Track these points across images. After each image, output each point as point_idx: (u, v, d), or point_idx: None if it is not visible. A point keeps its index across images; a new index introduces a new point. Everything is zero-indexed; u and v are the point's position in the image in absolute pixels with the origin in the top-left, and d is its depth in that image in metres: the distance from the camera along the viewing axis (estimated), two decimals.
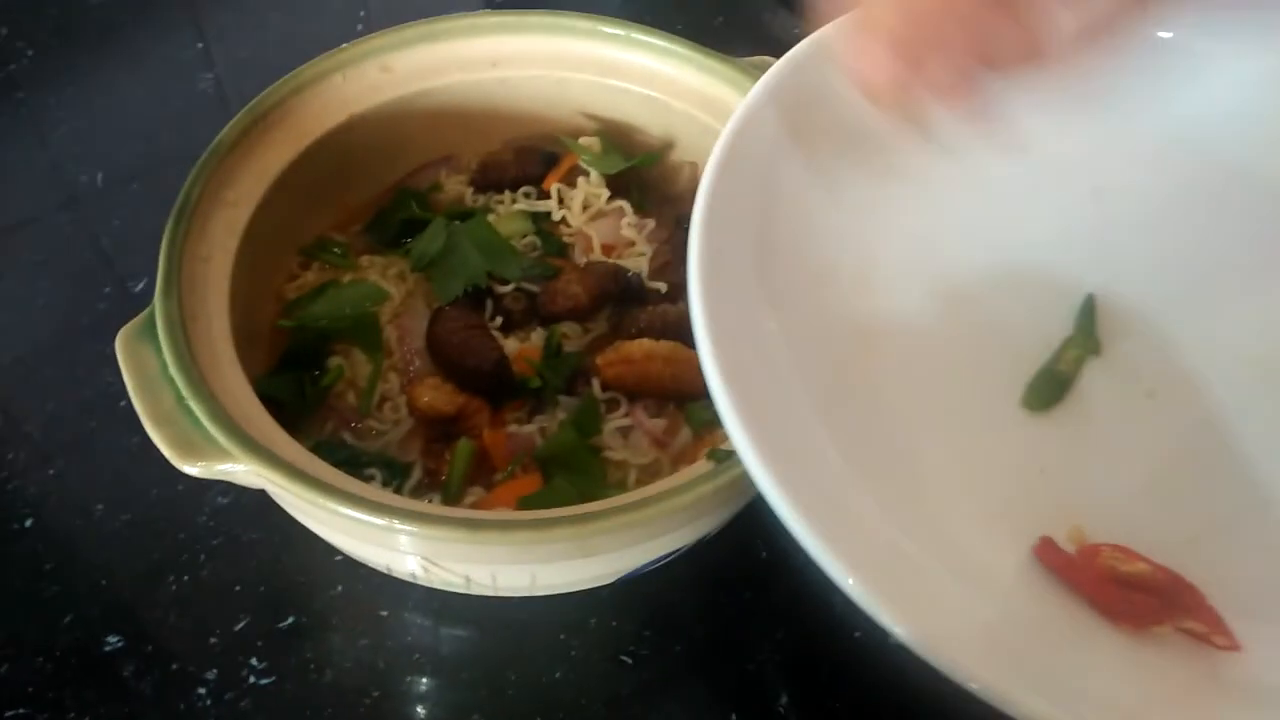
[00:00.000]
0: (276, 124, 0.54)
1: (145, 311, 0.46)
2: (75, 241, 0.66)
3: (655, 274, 0.57)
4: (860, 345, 0.41)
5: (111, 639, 0.51)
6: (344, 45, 0.56)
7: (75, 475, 0.57)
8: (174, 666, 0.50)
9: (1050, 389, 0.43)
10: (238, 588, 0.53)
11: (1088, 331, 0.44)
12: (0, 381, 0.60)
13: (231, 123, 0.52)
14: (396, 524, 0.40)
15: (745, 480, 0.44)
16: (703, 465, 0.44)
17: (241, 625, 0.52)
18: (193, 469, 0.42)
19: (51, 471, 0.57)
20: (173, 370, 0.44)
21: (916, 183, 0.44)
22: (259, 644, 0.51)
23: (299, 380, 0.52)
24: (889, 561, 0.34)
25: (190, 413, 0.43)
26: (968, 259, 0.44)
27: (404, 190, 0.62)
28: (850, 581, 0.32)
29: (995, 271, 0.44)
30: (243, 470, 0.42)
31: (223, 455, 0.42)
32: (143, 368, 0.44)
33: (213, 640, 0.51)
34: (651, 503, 0.41)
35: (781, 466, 0.33)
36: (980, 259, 0.44)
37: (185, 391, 0.43)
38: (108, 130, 0.72)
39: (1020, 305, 0.45)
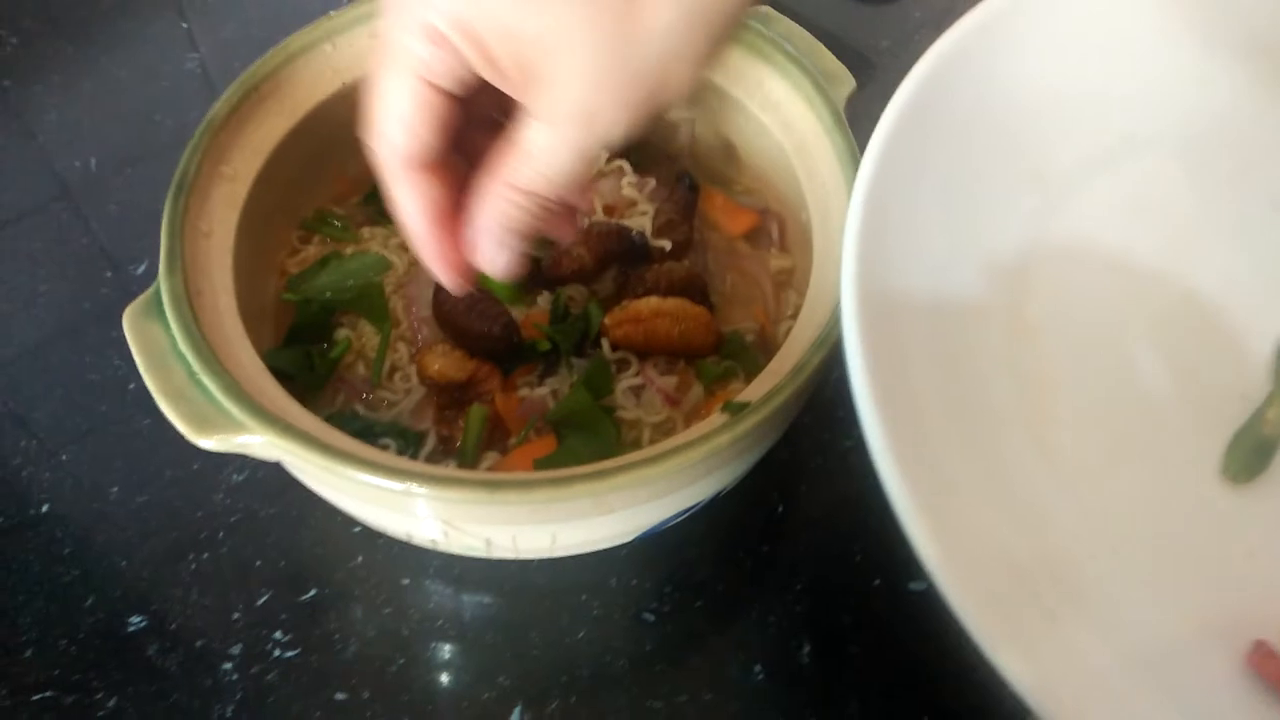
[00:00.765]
0: (269, 96, 0.54)
1: (151, 289, 0.45)
2: (72, 230, 0.65)
3: (659, 232, 0.57)
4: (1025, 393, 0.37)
5: (134, 619, 0.51)
6: (330, 13, 0.56)
7: (89, 460, 0.57)
8: (198, 644, 0.51)
9: (1253, 455, 0.36)
10: (258, 563, 0.53)
11: None
12: (8, 372, 0.60)
13: (224, 96, 0.52)
14: (415, 488, 0.40)
15: (761, 431, 0.44)
16: (717, 418, 0.44)
17: (264, 600, 0.52)
18: (208, 443, 0.42)
19: (65, 457, 0.57)
20: (182, 345, 0.43)
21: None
22: (282, 617, 0.51)
23: (307, 354, 0.52)
24: (1082, 679, 0.28)
25: (203, 387, 0.43)
26: (1140, 293, 0.39)
27: None
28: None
29: (1169, 309, 0.38)
30: (259, 442, 0.42)
31: (238, 428, 0.42)
32: (151, 345, 0.44)
33: (235, 616, 0.51)
34: (668, 456, 0.41)
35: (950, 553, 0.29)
36: (1153, 294, 0.38)
37: (196, 366, 0.43)
38: (97, 116, 0.72)
39: (1202, 352, 0.38)
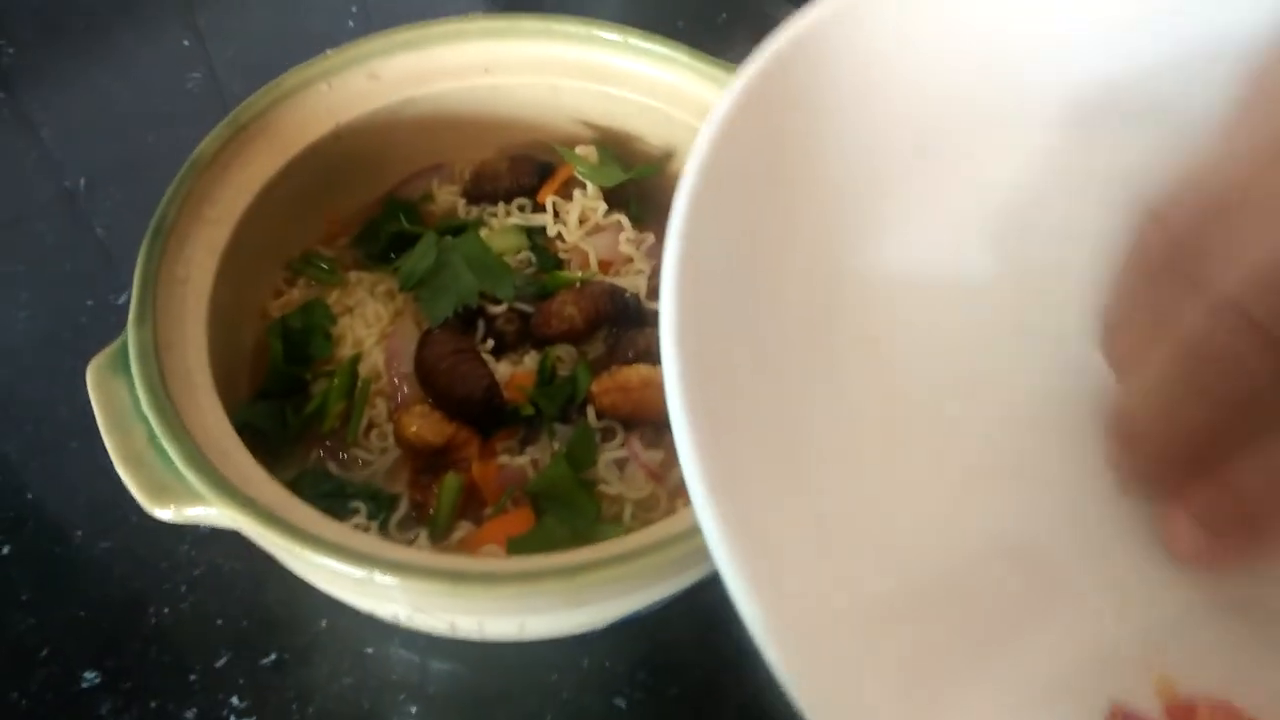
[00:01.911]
0: (258, 135, 0.52)
1: (118, 341, 0.44)
2: (57, 250, 0.64)
3: (654, 293, 0.55)
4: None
5: (89, 674, 0.49)
6: (328, 52, 0.54)
7: (54, 500, 0.55)
8: (153, 704, 0.49)
9: None
10: (219, 621, 0.51)
11: None
12: None
13: (211, 135, 0.50)
14: (377, 575, 0.38)
15: None
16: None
17: (223, 661, 0.50)
18: (164, 513, 0.40)
19: (30, 496, 0.55)
20: (145, 407, 0.42)
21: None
22: (240, 681, 0.49)
23: (281, 408, 0.50)
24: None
25: (162, 452, 0.41)
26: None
27: (394, 201, 0.59)
28: None
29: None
30: (216, 514, 0.40)
31: (195, 498, 0.40)
32: (114, 403, 0.42)
33: (193, 677, 0.49)
34: (645, 553, 0.39)
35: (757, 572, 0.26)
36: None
37: (158, 429, 0.41)
38: (92, 132, 0.70)
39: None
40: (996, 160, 0.36)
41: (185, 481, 0.40)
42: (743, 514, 0.27)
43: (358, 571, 0.38)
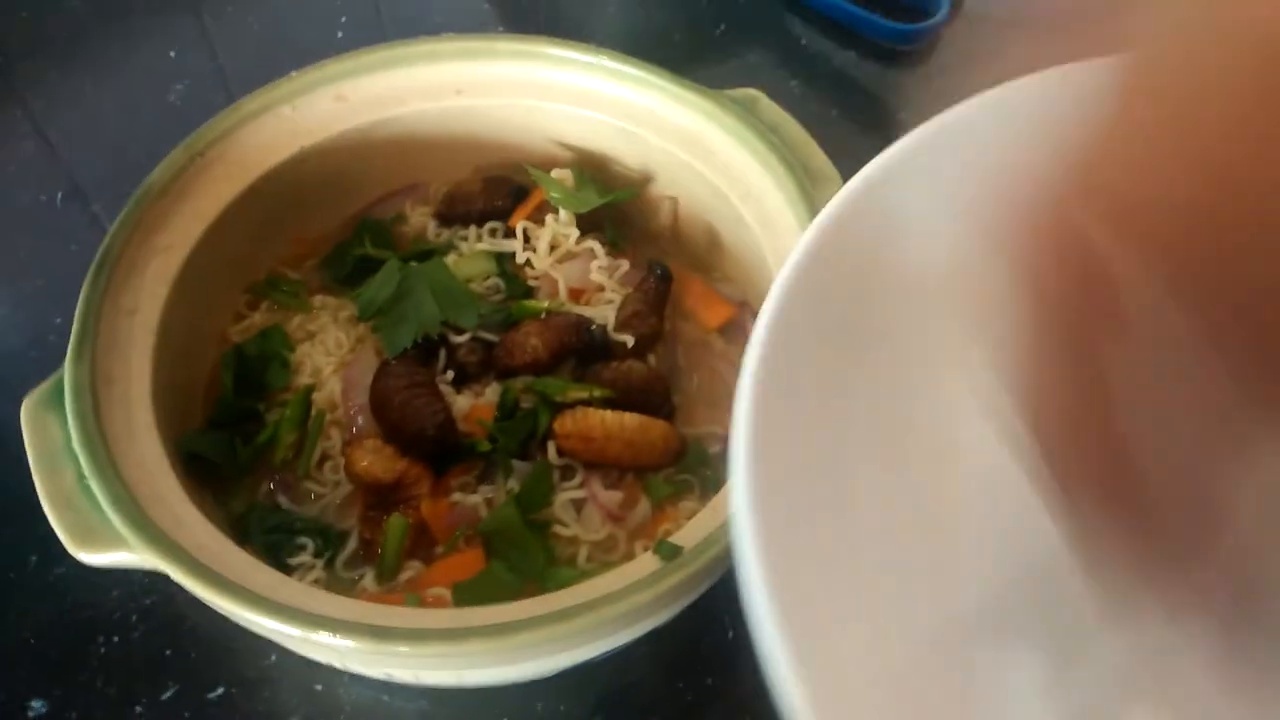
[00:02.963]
0: (216, 160, 0.51)
1: (54, 376, 0.43)
2: (29, 264, 0.63)
3: (623, 325, 0.53)
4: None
5: (36, 704, 0.49)
6: (291, 74, 0.52)
7: (10, 521, 0.54)
8: None
9: None
10: (168, 652, 0.50)
11: None
12: None
13: (164, 163, 0.49)
14: (299, 632, 0.37)
15: (694, 581, 0.40)
16: (647, 563, 0.40)
17: (169, 694, 0.49)
18: (90, 557, 0.39)
19: None
20: (76, 444, 0.41)
21: None
22: (185, 714, 0.48)
23: (231, 438, 0.49)
24: None
25: (90, 494, 0.40)
26: None
27: (365, 222, 0.58)
28: None
29: None
30: (139, 560, 0.39)
31: (119, 543, 0.39)
32: (46, 440, 0.41)
33: (139, 709, 0.49)
34: (580, 612, 0.37)
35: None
36: None
37: (87, 470, 0.40)
38: (71, 147, 0.69)
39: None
40: None
41: (110, 525, 0.39)
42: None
43: (277, 625, 0.37)
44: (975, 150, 0.37)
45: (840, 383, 0.35)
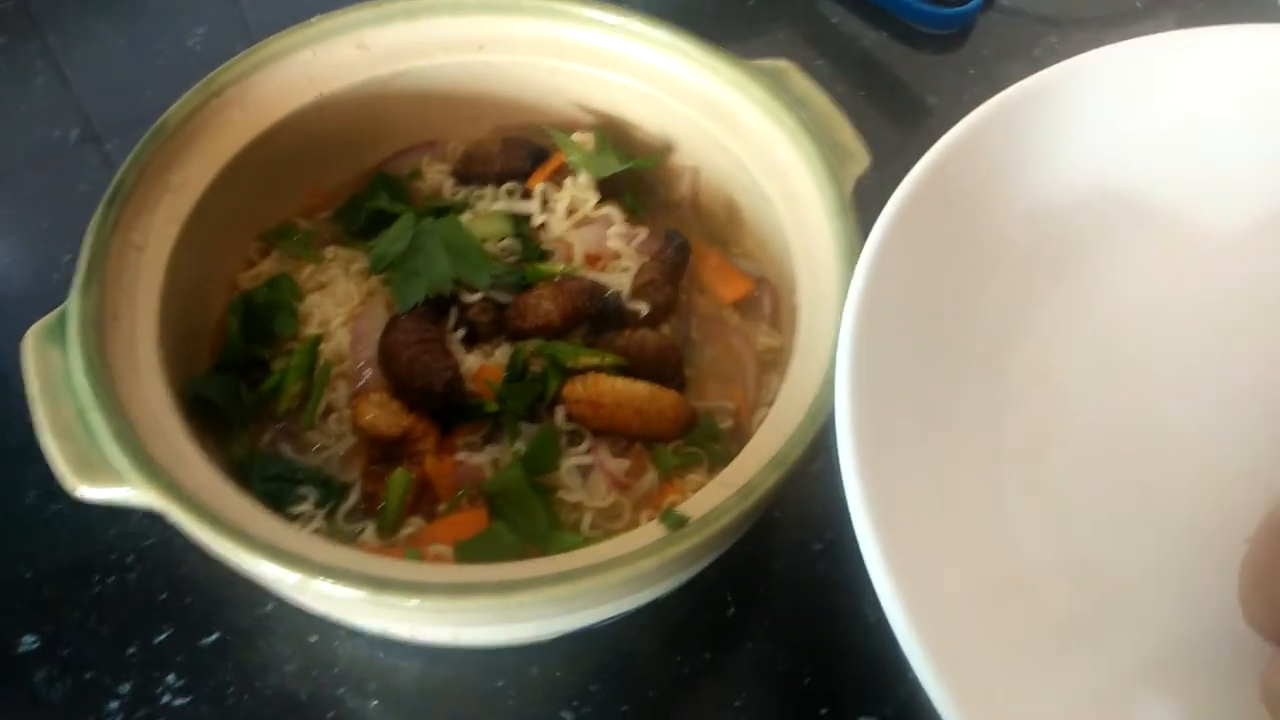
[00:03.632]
0: (234, 102, 0.50)
1: (60, 308, 0.42)
2: (38, 203, 0.62)
3: (637, 292, 0.52)
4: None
5: (28, 638, 0.49)
6: (313, 19, 0.52)
7: (10, 456, 0.53)
8: (88, 675, 0.47)
9: None
10: (164, 595, 0.50)
11: None
12: None
13: (181, 100, 0.48)
14: (299, 578, 0.36)
15: (697, 552, 0.40)
16: (652, 531, 0.39)
17: (163, 637, 0.49)
18: (87, 491, 0.38)
19: None
20: (78, 377, 0.40)
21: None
22: (179, 659, 0.48)
23: (236, 383, 0.49)
24: None
25: (90, 427, 0.39)
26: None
27: (381, 175, 0.57)
28: None
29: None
30: (136, 496, 0.38)
31: (118, 478, 0.38)
32: (49, 372, 0.41)
33: (131, 651, 0.48)
34: (584, 574, 0.37)
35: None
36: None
37: (88, 401, 0.39)
38: (87, 85, 0.69)
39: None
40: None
41: (108, 459, 0.38)
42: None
43: (275, 570, 0.36)
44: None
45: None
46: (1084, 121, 0.42)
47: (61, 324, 0.41)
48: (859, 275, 0.38)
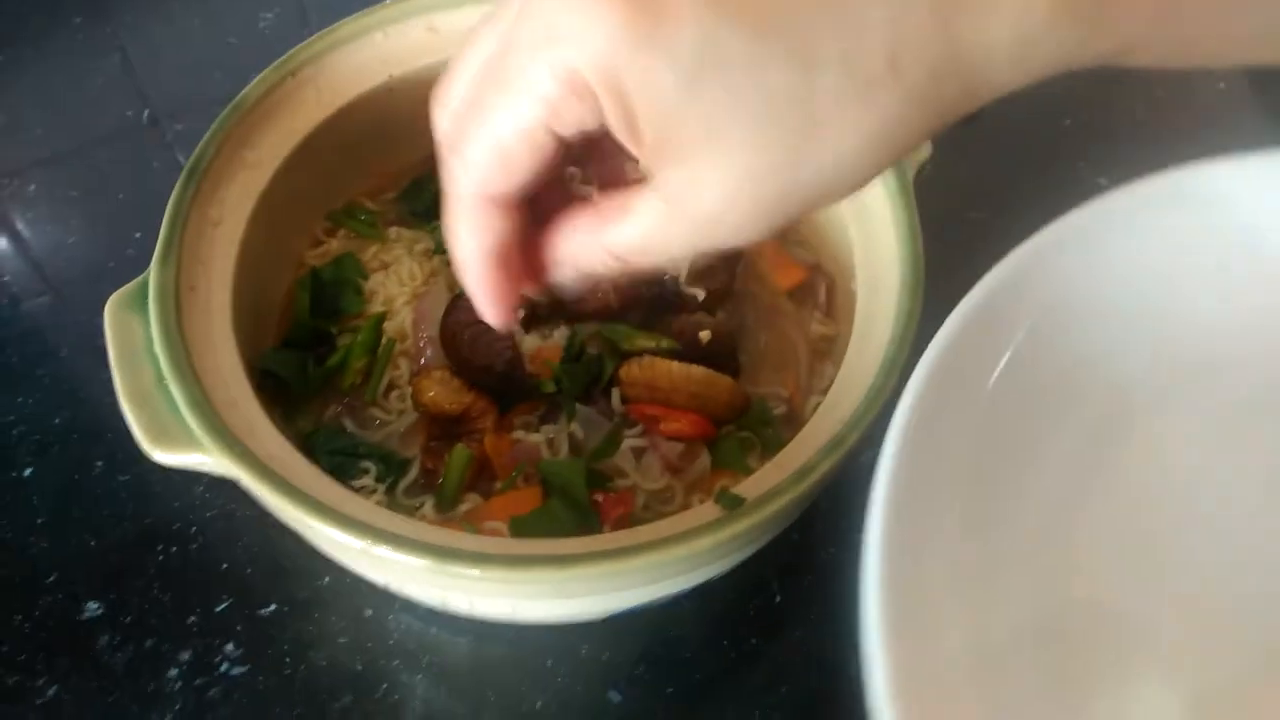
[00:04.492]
0: (308, 82, 0.51)
1: (139, 278, 0.43)
2: (111, 180, 0.64)
3: (694, 278, 0.52)
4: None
5: (92, 605, 0.50)
6: (386, 1, 0.52)
7: (81, 427, 0.55)
8: (149, 643, 0.49)
9: None
10: (224, 565, 0.51)
11: None
12: (20, 319, 0.59)
13: (258, 79, 0.49)
14: (357, 542, 0.37)
15: (753, 533, 0.40)
16: (707, 511, 0.40)
17: (223, 606, 0.50)
18: (164, 456, 0.40)
19: (58, 421, 0.55)
20: (157, 345, 0.41)
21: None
22: (238, 628, 0.49)
23: (304, 358, 0.50)
24: None
25: (167, 394, 0.40)
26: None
27: None
28: None
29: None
30: (212, 462, 0.39)
31: (194, 444, 0.39)
32: (128, 339, 0.42)
33: (191, 619, 0.49)
34: (640, 551, 0.37)
35: None
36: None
37: (166, 369, 0.41)
38: (159, 64, 0.70)
39: None
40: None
41: (186, 426, 0.39)
42: None
43: (343, 536, 0.37)
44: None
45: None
46: (1144, 257, 0.39)
47: (141, 293, 0.43)
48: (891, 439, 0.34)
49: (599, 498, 0.46)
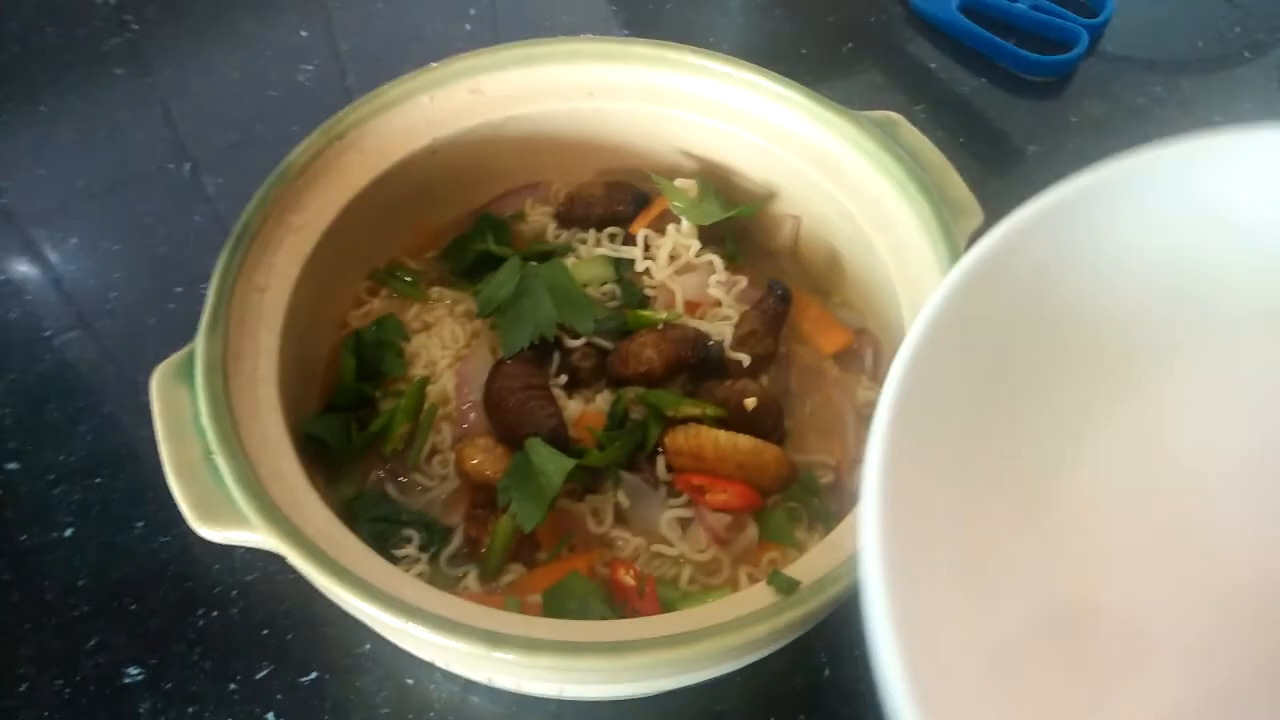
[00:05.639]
0: (354, 145, 0.51)
1: (186, 349, 0.43)
2: (153, 230, 0.64)
3: (739, 343, 0.52)
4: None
5: (133, 670, 0.49)
6: (431, 65, 0.52)
7: (121, 486, 0.55)
8: (190, 710, 0.48)
9: None
10: (265, 631, 0.50)
11: None
12: (63, 374, 0.59)
13: (304, 144, 0.49)
14: (410, 627, 0.36)
15: (812, 615, 0.39)
16: (761, 594, 0.39)
17: (264, 674, 0.49)
18: (211, 533, 0.39)
19: (98, 480, 0.55)
20: (205, 419, 0.41)
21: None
22: (278, 697, 0.49)
23: (347, 422, 0.49)
24: None
25: (215, 469, 0.40)
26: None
27: (486, 217, 0.58)
28: None
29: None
30: (260, 540, 0.39)
31: (241, 522, 0.39)
32: (175, 411, 0.42)
33: (232, 686, 0.49)
34: (697, 638, 0.37)
35: None
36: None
37: (214, 445, 0.40)
38: (201, 115, 0.71)
39: None
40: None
41: (233, 502, 0.39)
42: None
43: (393, 620, 0.36)
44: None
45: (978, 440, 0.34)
46: (1153, 218, 0.38)
47: (188, 364, 0.42)
48: (890, 385, 0.34)
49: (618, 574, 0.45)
